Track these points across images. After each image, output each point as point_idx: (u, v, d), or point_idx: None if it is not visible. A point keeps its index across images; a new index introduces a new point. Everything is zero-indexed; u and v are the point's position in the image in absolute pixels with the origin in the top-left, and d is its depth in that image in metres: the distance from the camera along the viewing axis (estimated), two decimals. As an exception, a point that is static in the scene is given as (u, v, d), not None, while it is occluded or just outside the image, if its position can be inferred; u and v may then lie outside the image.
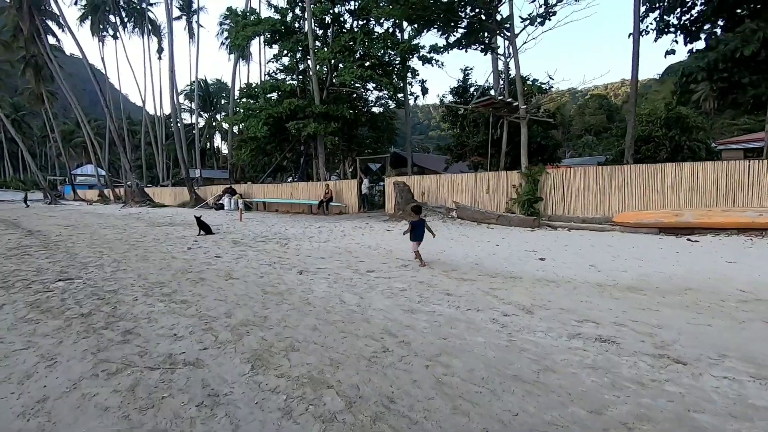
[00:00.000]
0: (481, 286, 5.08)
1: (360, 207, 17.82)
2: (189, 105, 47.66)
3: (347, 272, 6.07)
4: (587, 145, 48.43)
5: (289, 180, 35.87)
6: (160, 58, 44.52)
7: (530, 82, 16.57)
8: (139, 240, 10.51)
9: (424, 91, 22.44)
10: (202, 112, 42.90)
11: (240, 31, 19.88)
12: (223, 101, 53.08)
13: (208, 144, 49.44)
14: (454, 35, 13.49)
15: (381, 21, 21.11)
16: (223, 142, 52.44)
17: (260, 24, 19.57)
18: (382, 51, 19.16)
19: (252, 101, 21.57)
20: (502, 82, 17.30)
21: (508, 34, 12.15)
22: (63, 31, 39.34)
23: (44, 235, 12.19)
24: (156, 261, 7.41)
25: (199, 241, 9.92)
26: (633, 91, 14.47)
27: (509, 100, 12.91)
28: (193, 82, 39.91)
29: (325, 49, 18.86)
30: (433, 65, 20.82)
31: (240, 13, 20.12)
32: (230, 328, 3.85)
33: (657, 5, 14.25)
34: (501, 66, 17.46)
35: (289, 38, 20.91)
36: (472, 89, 18.21)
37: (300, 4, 21.79)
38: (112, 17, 40.49)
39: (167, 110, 50.03)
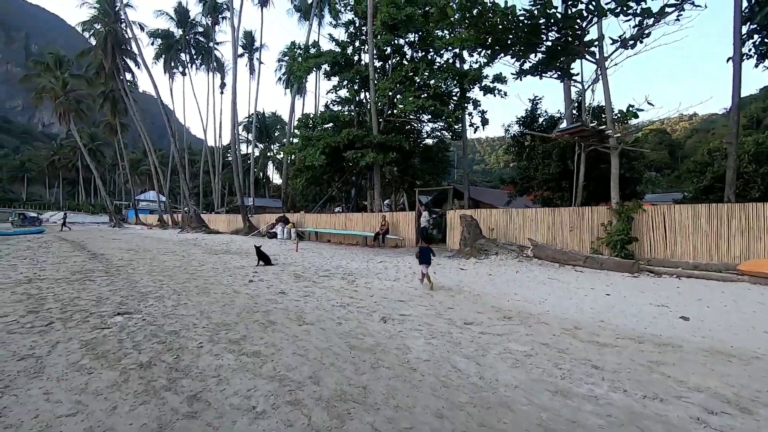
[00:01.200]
0: (633, 356, 3.86)
1: (418, 241, 16.83)
2: (246, 136, 49.76)
3: (441, 323, 5.03)
4: (650, 181, 45.23)
5: (336, 210, 35.82)
6: (222, 92, 47.28)
7: (617, 110, 15.24)
8: (198, 269, 10.07)
9: (485, 122, 21.61)
10: (257, 143, 44.43)
11: (302, 63, 20.22)
12: (276, 133, 55.18)
13: (261, 173, 50.99)
14: (530, 61, 12.63)
15: (441, 52, 20.81)
16: (275, 172, 53.95)
17: (321, 56, 19.83)
18: (443, 81, 18.68)
19: (309, 131, 21.66)
20: (575, 111, 16.11)
21: (595, 58, 11.11)
22: (138, 68, 42.54)
23: (107, 259, 12.14)
24: (217, 295, 6.75)
25: (259, 273, 9.28)
26: (735, 120, 12.81)
27: (602, 127, 11.70)
28: (252, 114, 41.68)
29: (385, 79, 18.66)
30: (495, 95, 20.14)
31: (302, 46, 20.59)
32: (323, 402, 2.91)
33: (762, 26, 12.75)
34: (573, 94, 16.34)
35: (348, 70, 21.00)
36: (541, 119, 17.13)
37: (361, 37, 22.03)
38: (182, 56, 43.62)
39: (225, 141, 52.59)
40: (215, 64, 45.27)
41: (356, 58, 22.17)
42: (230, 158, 54.88)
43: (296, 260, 12.00)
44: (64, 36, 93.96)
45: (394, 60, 20.84)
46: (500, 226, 13.64)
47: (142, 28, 38.43)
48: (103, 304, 6.08)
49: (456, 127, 24.63)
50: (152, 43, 42.27)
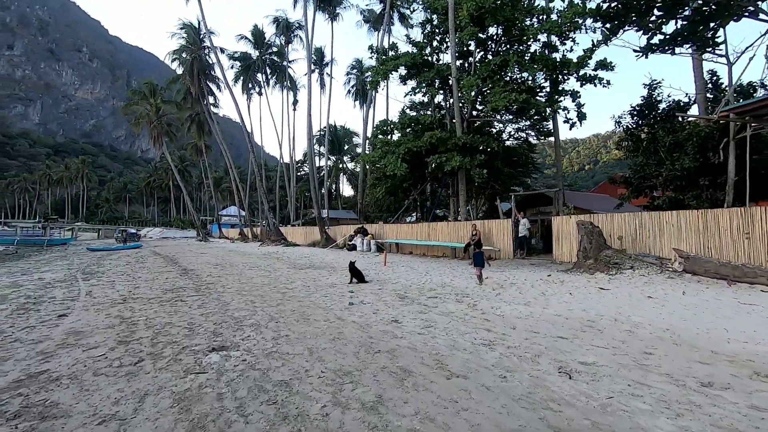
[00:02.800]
0: None
1: (515, 252, 14.91)
2: (318, 149, 50.69)
3: (660, 382, 3.35)
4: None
5: (409, 220, 34.56)
6: (295, 109, 48.54)
7: None
8: (288, 286, 9.20)
9: (582, 116, 19.02)
10: (330, 156, 44.88)
11: (380, 67, 19.35)
12: (346, 146, 55.67)
13: (334, 185, 51.54)
14: (662, 33, 10.40)
15: (529, 42, 18.81)
16: (347, 183, 54.28)
17: (399, 58, 18.79)
18: (536, 74, 16.66)
19: (387, 137, 20.67)
20: (710, 91, 13.32)
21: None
22: (220, 91, 45.15)
23: (197, 275, 11.86)
24: (320, 323, 5.63)
25: (356, 293, 8.14)
26: None
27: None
28: (324, 128, 42.15)
29: (469, 76, 17.10)
30: (596, 85, 17.66)
31: (380, 49, 19.76)
32: None
33: None
34: (705, 73, 13.56)
35: (426, 72, 19.73)
36: (662, 105, 14.45)
37: (439, 36, 20.72)
38: (258, 76, 45.56)
39: (297, 156, 54.12)
40: (288, 82, 46.69)
41: (434, 58, 20.88)
42: (302, 173, 56.43)
43: (389, 276, 10.77)
44: (158, 71, 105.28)
45: (477, 56, 19.22)
46: (627, 234, 11.34)
47: (222, 51, 40.62)
48: (196, 334, 5.21)
49: (545, 124, 22.30)
50: (231, 67, 44.64)
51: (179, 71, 41.35)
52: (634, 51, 11.20)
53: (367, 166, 25.62)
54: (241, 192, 43.74)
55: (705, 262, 8.85)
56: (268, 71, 43.97)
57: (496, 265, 13.07)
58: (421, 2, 20.50)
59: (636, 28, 10.38)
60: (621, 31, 10.49)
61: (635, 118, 15.19)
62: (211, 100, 44.21)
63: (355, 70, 52.25)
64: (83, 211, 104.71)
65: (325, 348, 4.47)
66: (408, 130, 20.30)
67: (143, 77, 51.04)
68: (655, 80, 14.60)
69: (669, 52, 10.82)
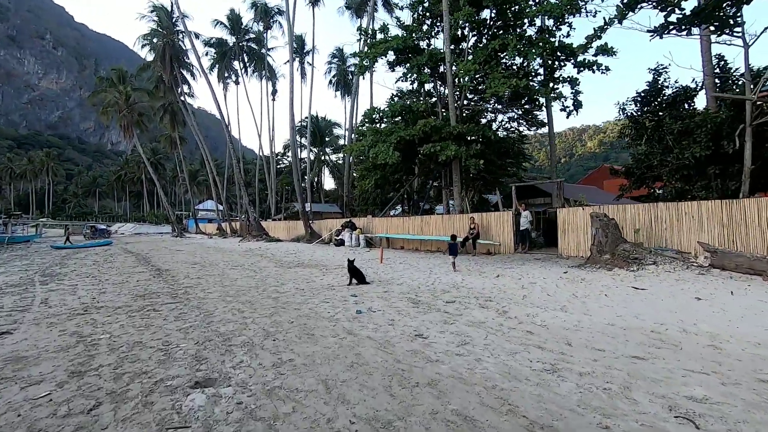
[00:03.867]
0: None
1: (516, 245, 14.15)
2: (300, 140, 49.04)
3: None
4: None
5: (392, 213, 33.54)
6: (274, 99, 46.64)
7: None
8: (279, 290, 8.09)
9: (578, 105, 18.37)
10: (312, 148, 43.37)
11: (369, 50, 18.15)
12: (327, 137, 54.08)
13: (316, 178, 50.07)
14: (680, 10, 9.66)
15: (524, 25, 17.98)
16: (330, 176, 52.93)
17: (390, 41, 17.63)
18: (536, 58, 15.81)
19: (375, 126, 19.55)
20: (717, 76, 12.77)
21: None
22: (194, 79, 42.91)
23: (173, 277, 10.58)
24: (328, 340, 4.59)
25: (359, 296, 7.11)
26: None
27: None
28: (306, 118, 40.55)
29: (465, 61, 16.13)
30: (594, 71, 17.01)
31: (370, 31, 18.54)
32: None
33: None
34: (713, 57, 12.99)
35: (418, 56, 18.67)
36: (668, 91, 13.85)
37: (430, 20, 19.67)
38: (235, 64, 43.46)
39: (277, 148, 52.29)
40: (267, 71, 44.75)
41: (425, 43, 19.81)
42: (282, 165, 54.62)
43: (390, 275, 9.78)
44: (127, 60, 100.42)
45: (471, 40, 18.26)
46: (641, 226, 10.66)
47: (197, 37, 38.40)
48: (174, 359, 4.10)
49: (536, 113, 21.65)
50: (206, 54, 42.42)
51: (150, 58, 38.97)
52: (650, 31, 10.42)
53: (353, 158, 24.45)
54: (218, 185, 41.85)
55: (736, 256, 8.20)
56: (246, 59, 41.97)
57: (499, 261, 12.24)
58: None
59: (654, 4, 9.59)
60: (638, 7, 9.68)
61: (639, 106, 14.57)
62: (185, 88, 41.99)
63: (336, 59, 50.59)
64: (49, 206, 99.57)
65: (345, 380, 3.44)
66: (398, 119, 19.22)
67: (113, 66, 48.09)
68: (662, 65, 13.99)
69: (685, 32, 10.10)
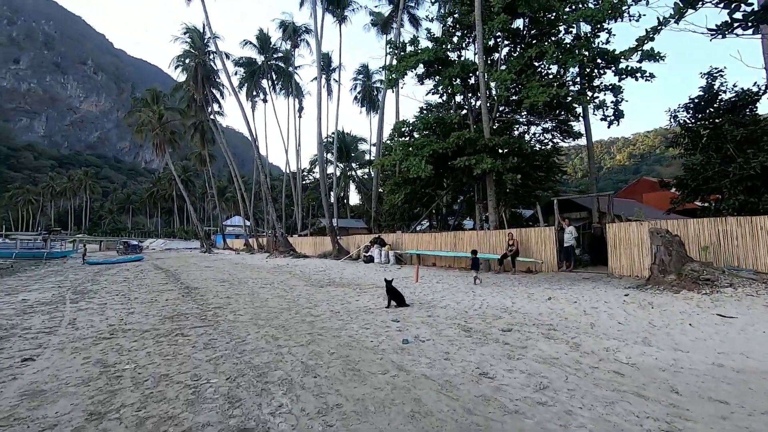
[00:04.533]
0: None
1: (560, 264, 13.19)
2: (326, 156, 49.33)
3: None
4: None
5: (418, 229, 32.72)
6: (300, 116, 47.18)
7: None
8: (312, 312, 7.53)
9: (619, 115, 17.37)
10: (338, 163, 43.43)
11: (399, 64, 17.82)
12: (353, 153, 54.18)
13: (342, 193, 50.04)
14: (746, 6, 8.77)
15: (560, 33, 17.29)
16: (356, 191, 52.83)
17: (421, 53, 17.25)
18: (573, 66, 15.02)
19: (405, 139, 19.07)
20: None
21: None
22: (223, 98, 43.89)
23: (201, 296, 10.22)
24: (377, 378, 3.96)
25: (402, 322, 6.46)
26: None
27: None
28: (332, 134, 40.68)
29: (498, 71, 15.54)
30: (638, 78, 16.09)
31: (399, 44, 18.25)
32: None
33: None
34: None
35: (450, 68, 18.21)
36: (725, 96, 12.81)
37: (460, 31, 19.25)
38: (264, 82, 44.31)
39: (304, 164, 52.66)
40: (294, 89, 45.45)
41: (455, 54, 19.35)
42: (308, 181, 54.94)
43: (429, 296, 9.09)
44: (161, 82, 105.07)
45: (504, 50, 17.70)
46: (707, 243, 9.62)
47: (227, 57, 39.41)
48: (203, 400, 3.55)
49: (572, 124, 20.68)
50: (236, 73, 43.45)
51: (182, 78, 40.23)
52: (710, 30, 9.54)
53: (381, 172, 24.01)
54: (246, 201, 42.26)
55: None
56: (274, 77, 42.70)
57: (544, 280, 11.35)
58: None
59: (717, 2, 8.76)
60: (701, 3, 8.87)
61: (692, 112, 13.53)
62: (215, 107, 43.03)
63: (361, 76, 51.03)
64: (86, 222, 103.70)
65: (412, 440, 2.79)
66: (427, 132, 18.66)
67: (148, 87, 50.04)
68: (716, 68, 12.97)
69: (752, 29, 9.19)
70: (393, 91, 31.80)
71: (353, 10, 37.48)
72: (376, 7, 37.07)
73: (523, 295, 8.73)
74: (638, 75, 15.90)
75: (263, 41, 40.90)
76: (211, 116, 41.97)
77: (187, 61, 38.20)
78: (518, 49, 17.73)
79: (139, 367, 4.59)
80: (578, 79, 17.89)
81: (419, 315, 6.93)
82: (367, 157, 50.85)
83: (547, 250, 13.60)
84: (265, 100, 46.89)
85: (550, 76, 17.66)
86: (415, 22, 36.66)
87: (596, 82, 16.92)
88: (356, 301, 8.71)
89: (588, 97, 15.10)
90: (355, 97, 51.51)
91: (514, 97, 18.13)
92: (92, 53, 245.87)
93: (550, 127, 21.69)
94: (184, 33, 37.73)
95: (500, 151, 16.87)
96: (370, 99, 50.60)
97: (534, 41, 17.59)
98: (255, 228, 45.64)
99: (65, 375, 4.46)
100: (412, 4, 33.98)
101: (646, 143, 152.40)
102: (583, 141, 21.52)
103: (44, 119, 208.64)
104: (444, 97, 20.66)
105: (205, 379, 4.15)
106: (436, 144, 16.03)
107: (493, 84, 17.37)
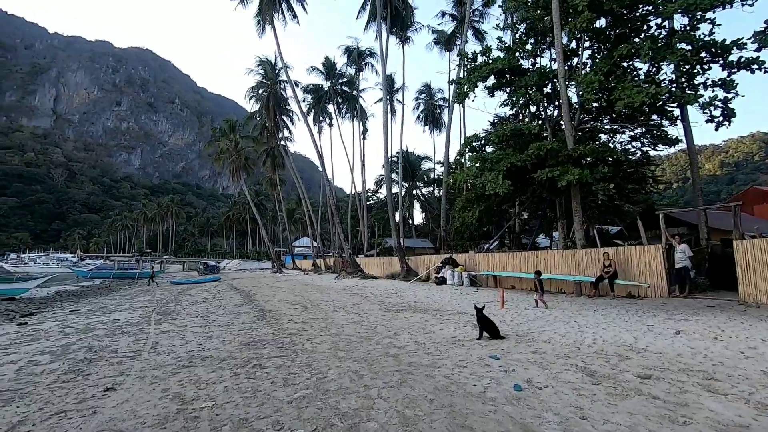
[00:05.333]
0: None
1: (672, 288, 11.28)
2: (391, 175, 49.50)
3: None
4: None
5: (485, 248, 30.83)
6: (364, 138, 47.90)
7: None
8: (395, 343, 6.79)
9: (729, 114, 14.97)
10: (403, 182, 43.17)
11: (470, 75, 17.07)
12: (417, 172, 53.80)
13: (407, 213, 49.60)
14: None
15: (649, 30, 15.50)
16: (421, 211, 52.23)
17: (494, 63, 16.38)
18: (679, 60, 13.20)
19: (477, 153, 18.06)
20: None
21: None
22: (293, 125, 45.99)
23: (276, 319, 9.95)
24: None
25: (503, 358, 5.49)
26: None
27: None
28: (397, 153, 40.64)
29: (584, 72, 14.17)
30: (755, 71, 13.84)
31: (470, 54, 17.54)
32: None
33: None
34: None
35: (527, 77, 17.10)
36: None
37: (533, 37, 18.12)
38: (329, 107, 45.76)
39: (368, 185, 53.17)
40: (358, 112, 46.45)
41: (529, 62, 18.20)
42: (371, 201, 55.30)
43: (524, 326, 7.95)
44: (237, 114, 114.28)
45: (586, 52, 16.22)
46: None
47: (297, 85, 41.32)
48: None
49: (664, 129, 18.33)
50: (303, 100, 45.37)
51: (255, 108, 42.76)
52: None
53: (449, 190, 23.06)
54: (314, 222, 43.28)
55: None
56: (339, 101, 43.92)
57: (656, 308, 9.64)
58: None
59: None
60: None
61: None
62: (285, 133, 45.11)
63: (423, 95, 50.97)
64: (172, 244, 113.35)
65: None
66: (503, 145, 17.47)
67: (225, 118, 54.12)
68: None
69: None
70: (460, 107, 30.99)
71: (416, 29, 37.60)
72: (439, 24, 36.76)
73: (640, 327, 7.30)
74: (755, 66, 13.68)
75: (329, 67, 42.38)
76: (282, 142, 44.00)
77: (260, 91, 40.57)
78: (602, 50, 16.17)
79: (218, 407, 4.12)
80: (673, 78, 15.88)
81: (521, 351, 5.90)
82: (432, 175, 50.19)
83: (653, 271, 11.74)
84: (330, 124, 48.36)
85: (640, 77, 15.86)
86: (480, 36, 35.87)
87: (700, 79, 14.83)
88: (440, 330, 7.84)
89: (693, 95, 13.08)
90: (418, 117, 51.45)
91: (595, 104, 16.51)
92: (179, 92, 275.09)
93: (638, 134, 19.50)
94: (258, 65, 40.24)
95: (585, 161, 15.28)
96: (432, 117, 50.23)
97: (621, 40, 15.97)
98: (322, 248, 46.44)
99: (143, 411, 4.12)
100: (477, 18, 33.23)
101: (741, 149, 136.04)
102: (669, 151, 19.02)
103: (139, 153, 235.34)
104: (515, 109, 19.44)
105: (288, 428, 3.54)
106: (514, 157, 14.87)
107: (572, 91, 15.97)
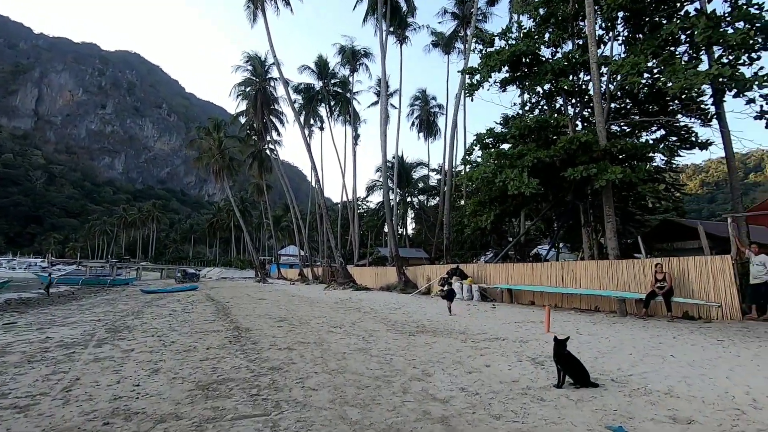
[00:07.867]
0: None
1: (747, 308, 9.20)
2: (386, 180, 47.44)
3: None
4: None
5: (481, 259, 28.80)
6: (356, 143, 45.73)
7: None
8: (430, 390, 4.47)
9: (776, 110, 13.18)
10: (397, 189, 41.06)
11: (484, 63, 15.07)
12: (411, 179, 51.82)
13: (401, 221, 47.44)
14: None
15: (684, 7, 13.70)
16: (415, 219, 50.24)
17: (515, 45, 14.44)
18: (739, 41, 11.34)
19: (490, 150, 15.97)
20: None
21: None
22: (283, 126, 43.74)
23: (253, 343, 7.51)
24: None
25: (620, 425, 3.23)
26: None
27: None
28: (393, 158, 38.59)
29: (623, 55, 12.32)
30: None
31: (486, 37, 15.58)
32: None
33: None
34: None
35: (540, 66, 15.22)
36: None
37: (553, 26, 16.29)
38: (321, 109, 43.62)
39: (360, 192, 50.89)
40: (351, 115, 44.42)
41: (548, 52, 16.35)
42: (362, 210, 53.02)
43: (606, 364, 5.69)
44: (225, 119, 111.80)
45: (620, 36, 14.40)
46: None
47: (288, 84, 39.13)
48: None
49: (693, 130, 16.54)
50: (294, 101, 43.13)
51: (242, 107, 40.37)
52: None
53: (454, 194, 20.91)
54: (302, 230, 40.75)
55: None
56: (332, 103, 41.83)
57: (733, 333, 7.51)
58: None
59: None
60: None
61: None
62: (274, 135, 42.73)
63: (418, 101, 49.41)
64: (152, 251, 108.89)
65: None
66: (525, 140, 15.40)
67: (210, 116, 51.58)
68: None
69: None
70: (473, 100, 29.17)
71: (414, 29, 35.95)
72: (439, 23, 35.21)
73: (731, 362, 5.14)
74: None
75: (322, 67, 40.35)
76: (270, 144, 41.60)
77: (248, 89, 38.24)
78: (634, 38, 14.34)
79: None
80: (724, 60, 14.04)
81: (647, 413, 3.63)
82: (427, 182, 48.36)
83: (719, 288, 9.67)
84: (321, 128, 46.19)
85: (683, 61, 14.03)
86: (481, 39, 34.36)
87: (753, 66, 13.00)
88: (486, 366, 5.53)
89: (764, 77, 11.09)
90: (413, 123, 49.80)
91: (627, 98, 14.65)
92: (167, 97, 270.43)
93: (664, 134, 17.67)
94: (246, 61, 37.95)
95: (620, 158, 13.33)
96: (428, 124, 48.65)
97: (655, 27, 14.13)
98: (310, 257, 43.81)
99: None
100: (480, 18, 31.65)
101: (721, 170, 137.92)
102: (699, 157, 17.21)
103: (123, 157, 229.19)
104: (534, 100, 17.49)
105: None
106: (540, 152, 12.79)
107: (604, 78, 14.08)
